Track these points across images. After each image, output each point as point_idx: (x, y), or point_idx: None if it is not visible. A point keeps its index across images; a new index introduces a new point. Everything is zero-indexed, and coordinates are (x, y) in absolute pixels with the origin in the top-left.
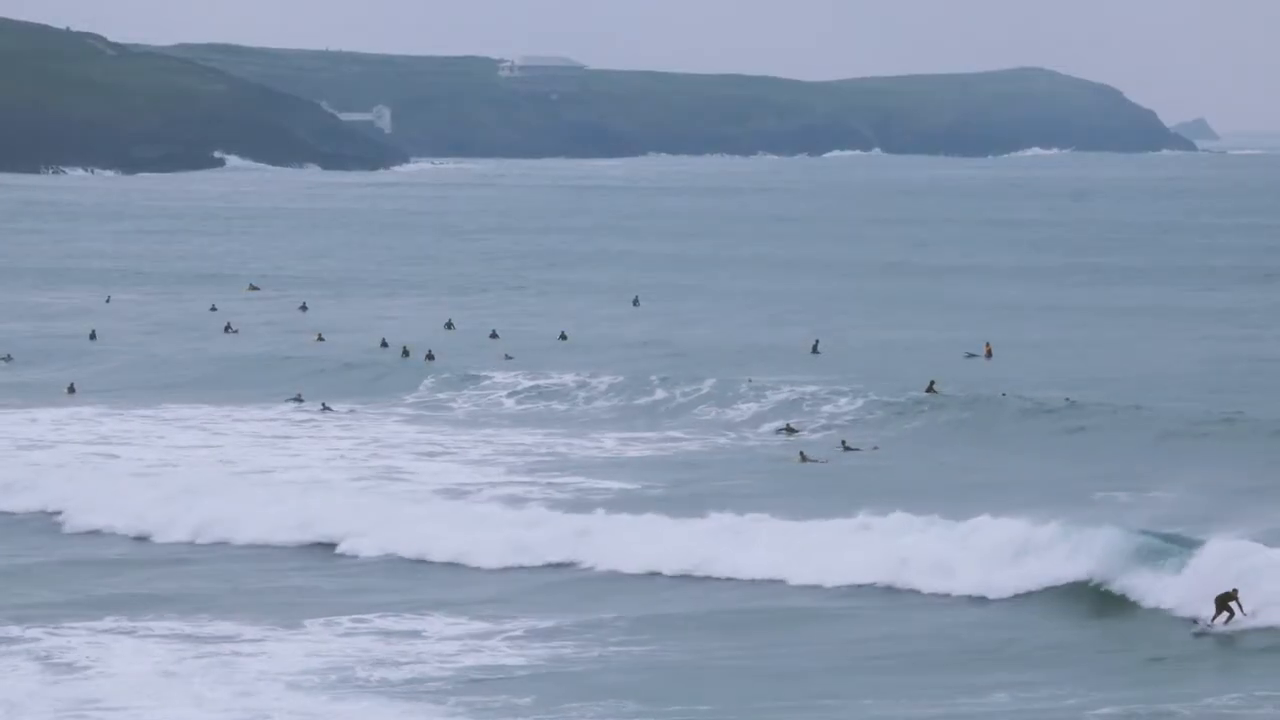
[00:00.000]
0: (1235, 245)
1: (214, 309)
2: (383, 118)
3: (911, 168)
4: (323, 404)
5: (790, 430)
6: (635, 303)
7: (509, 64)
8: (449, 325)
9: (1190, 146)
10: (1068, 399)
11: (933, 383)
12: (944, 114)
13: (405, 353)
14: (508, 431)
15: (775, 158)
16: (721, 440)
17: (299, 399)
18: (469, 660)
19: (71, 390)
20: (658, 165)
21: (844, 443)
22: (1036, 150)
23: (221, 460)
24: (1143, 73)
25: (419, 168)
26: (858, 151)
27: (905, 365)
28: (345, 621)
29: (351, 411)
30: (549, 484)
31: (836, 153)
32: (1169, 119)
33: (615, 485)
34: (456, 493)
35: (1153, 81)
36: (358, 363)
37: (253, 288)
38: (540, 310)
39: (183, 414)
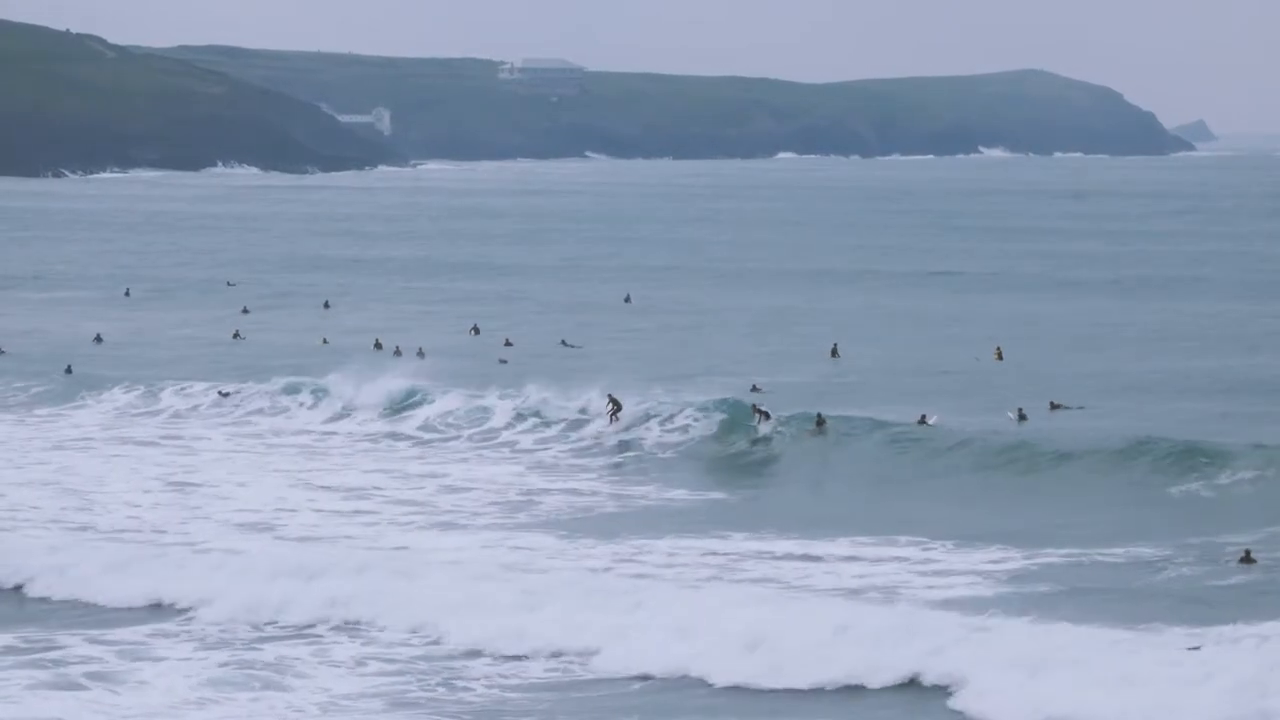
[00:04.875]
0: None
1: (246, 311)
2: (382, 120)
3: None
4: (219, 391)
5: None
6: (627, 300)
7: (509, 66)
8: (475, 330)
9: (1190, 148)
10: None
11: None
12: (944, 116)
13: (397, 352)
14: (503, 431)
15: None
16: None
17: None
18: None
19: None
20: (660, 168)
21: (819, 416)
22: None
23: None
24: (1142, 74)
25: (394, 170)
26: (857, 156)
27: (915, 368)
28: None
29: (233, 394)
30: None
31: (834, 156)
32: (1169, 121)
33: (679, 495)
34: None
35: (1152, 83)
36: (350, 363)
37: (229, 285)
38: (542, 314)
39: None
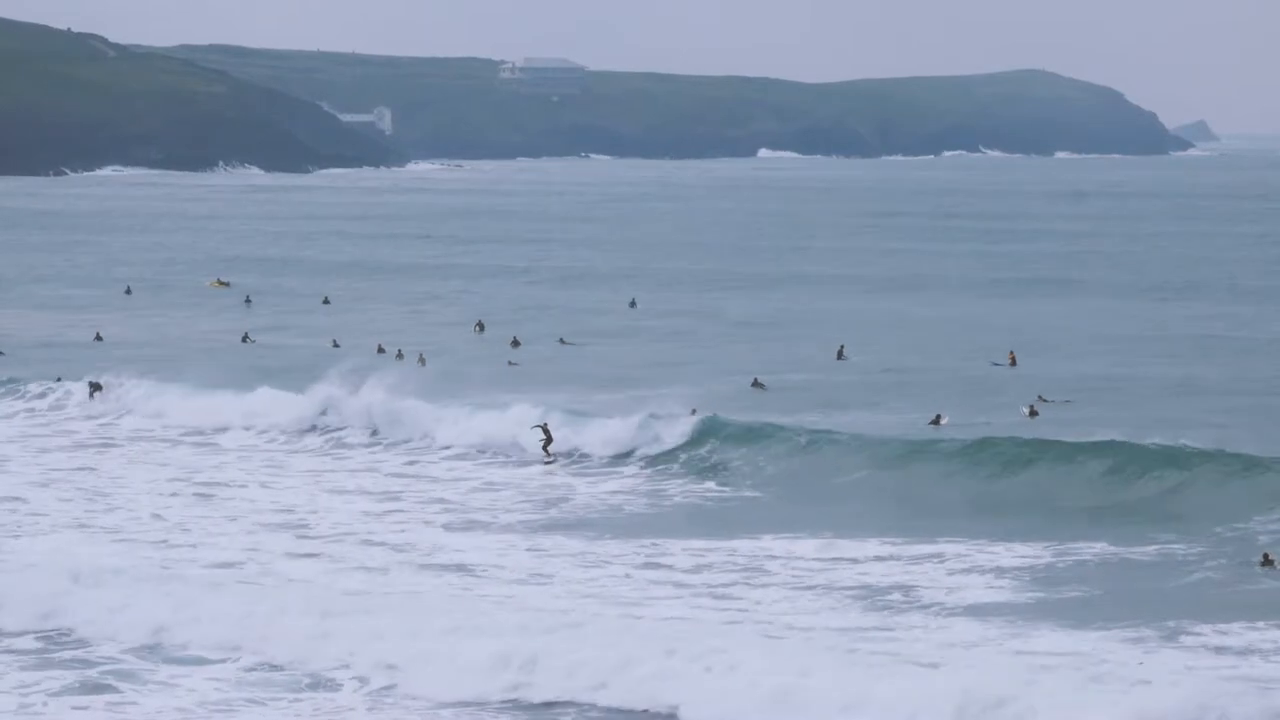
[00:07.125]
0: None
1: (249, 301)
2: (384, 119)
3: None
4: (91, 385)
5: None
6: (632, 304)
7: (510, 66)
8: (480, 327)
9: (1191, 148)
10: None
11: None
12: (944, 116)
13: (399, 355)
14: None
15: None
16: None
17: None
18: None
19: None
20: (661, 168)
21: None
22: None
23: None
24: (1143, 75)
25: (396, 169)
26: (858, 156)
27: (919, 369)
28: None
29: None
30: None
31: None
32: (1169, 121)
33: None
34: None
35: (1153, 83)
36: (352, 367)
37: (221, 283)
38: (543, 314)
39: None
